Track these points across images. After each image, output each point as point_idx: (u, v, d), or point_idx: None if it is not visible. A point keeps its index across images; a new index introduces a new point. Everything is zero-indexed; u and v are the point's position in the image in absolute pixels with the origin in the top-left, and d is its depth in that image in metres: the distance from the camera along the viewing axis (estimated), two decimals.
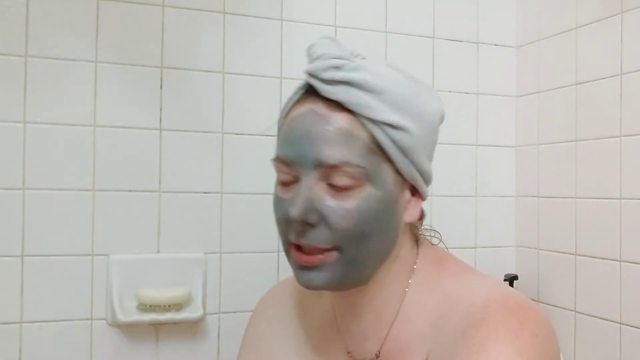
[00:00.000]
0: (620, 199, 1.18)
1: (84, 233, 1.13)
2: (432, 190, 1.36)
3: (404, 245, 0.77)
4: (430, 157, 0.75)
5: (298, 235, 0.69)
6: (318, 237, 0.68)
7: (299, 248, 0.70)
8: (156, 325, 1.17)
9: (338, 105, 0.69)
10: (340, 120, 0.68)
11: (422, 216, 0.78)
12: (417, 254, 0.78)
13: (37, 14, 1.10)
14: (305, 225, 0.68)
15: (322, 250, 0.69)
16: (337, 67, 0.69)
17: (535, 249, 1.40)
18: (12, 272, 1.09)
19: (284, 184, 0.72)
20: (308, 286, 0.71)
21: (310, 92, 0.72)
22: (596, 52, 1.24)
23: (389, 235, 0.72)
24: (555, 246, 1.34)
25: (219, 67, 1.22)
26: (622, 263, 1.17)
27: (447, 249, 0.82)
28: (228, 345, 1.20)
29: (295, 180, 0.70)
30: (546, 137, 1.37)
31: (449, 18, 1.41)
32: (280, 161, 0.71)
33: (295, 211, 0.67)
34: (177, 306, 1.14)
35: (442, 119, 0.76)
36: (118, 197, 1.15)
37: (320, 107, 0.69)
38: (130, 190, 1.16)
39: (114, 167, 1.15)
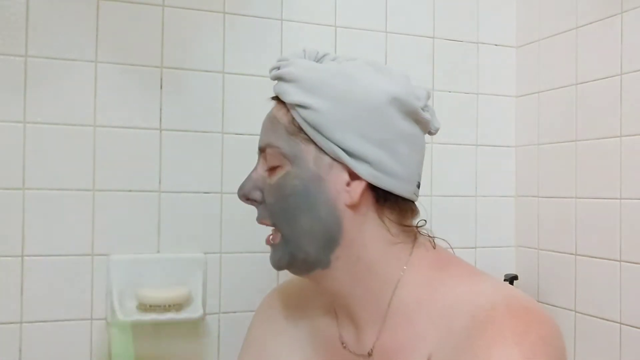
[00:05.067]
0: (620, 199, 1.18)
1: (84, 233, 1.13)
2: (432, 190, 1.37)
3: (373, 234, 0.75)
4: (367, 137, 0.73)
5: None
6: (261, 213, 0.80)
7: None
8: (156, 326, 1.17)
9: (279, 99, 0.80)
10: (275, 110, 0.80)
11: (413, 213, 0.78)
12: (412, 250, 0.77)
13: (37, 14, 1.10)
14: (252, 202, 0.81)
15: (273, 231, 0.80)
16: (276, 67, 0.80)
17: (535, 249, 1.40)
18: (12, 272, 1.08)
19: None
20: (272, 265, 0.81)
21: None
22: (596, 52, 1.24)
23: (320, 215, 0.74)
24: (555, 246, 1.34)
25: (219, 67, 1.22)
26: (622, 263, 1.17)
27: (452, 249, 0.82)
28: (228, 345, 1.20)
29: None
30: (546, 137, 1.37)
31: (449, 18, 1.41)
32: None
33: (239, 190, 0.81)
34: (177, 306, 1.14)
35: (394, 100, 0.74)
36: (118, 197, 1.15)
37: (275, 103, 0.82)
38: (130, 190, 1.16)
39: (114, 167, 1.15)
